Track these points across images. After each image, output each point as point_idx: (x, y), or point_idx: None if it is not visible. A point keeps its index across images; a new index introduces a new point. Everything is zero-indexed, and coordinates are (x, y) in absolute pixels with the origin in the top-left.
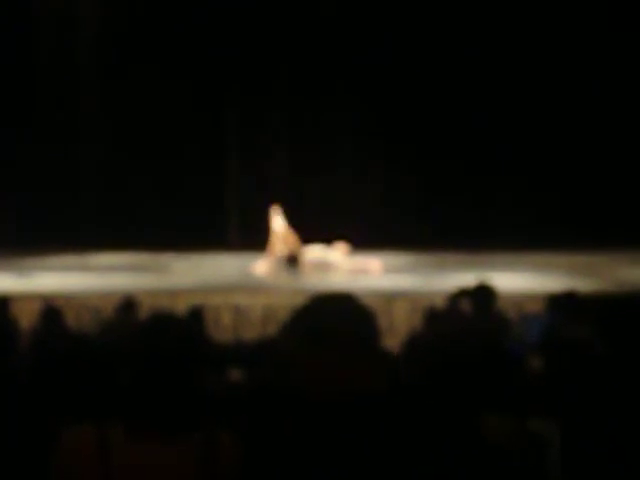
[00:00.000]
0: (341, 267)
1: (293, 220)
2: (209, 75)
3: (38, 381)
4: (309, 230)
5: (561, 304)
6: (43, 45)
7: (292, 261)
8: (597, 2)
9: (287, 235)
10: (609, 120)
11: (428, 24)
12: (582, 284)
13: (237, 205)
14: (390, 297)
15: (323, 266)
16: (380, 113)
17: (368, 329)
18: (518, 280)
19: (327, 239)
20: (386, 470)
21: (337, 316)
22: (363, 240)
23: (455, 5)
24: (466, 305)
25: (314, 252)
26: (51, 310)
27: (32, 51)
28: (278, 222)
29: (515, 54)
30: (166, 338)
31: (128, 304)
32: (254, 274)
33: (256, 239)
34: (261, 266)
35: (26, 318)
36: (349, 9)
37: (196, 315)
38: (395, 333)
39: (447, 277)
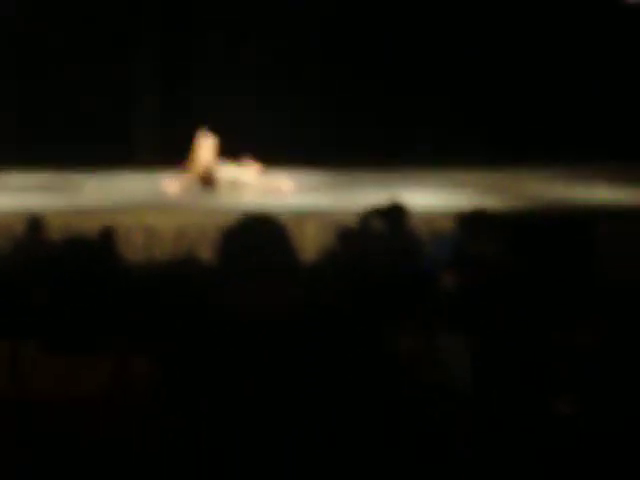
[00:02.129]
0: (254, 186)
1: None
2: None
3: None
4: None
5: (471, 221)
6: None
7: (207, 181)
8: None
9: (207, 157)
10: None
11: None
12: (492, 201)
13: (145, 122)
14: (301, 215)
15: (236, 185)
16: (293, 30)
17: (286, 250)
18: (429, 198)
19: (236, 158)
20: (302, 388)
21: (258, 238)
22: (273, 159)
23: None
24: (378, 224)
25: (227, 171)
26: None
27: None
28: (207, 146)
29: None
30: (78, 259)
31: (37, 224)
32: (166, 192)
33: (164, 157)
34: (173, 184)
35: None
36: None
37: (108, 235)
38: (306, 251)
39: (358, 195)
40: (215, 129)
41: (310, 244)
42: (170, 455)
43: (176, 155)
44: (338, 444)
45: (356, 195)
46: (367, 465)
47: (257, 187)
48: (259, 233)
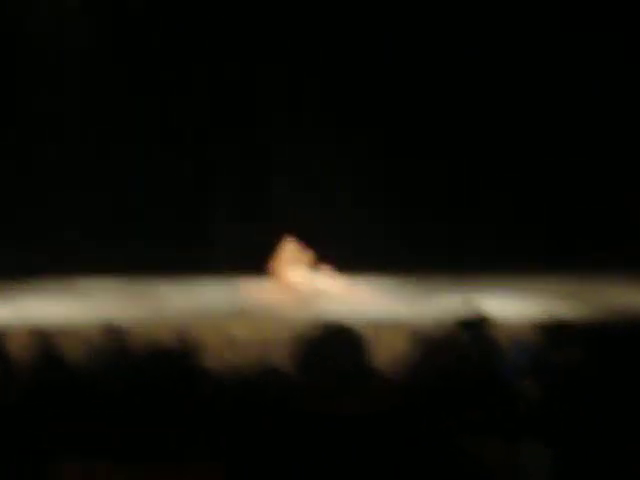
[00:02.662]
0: (333, 294)
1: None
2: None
3: (29, 416)
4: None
5: (550, 330)
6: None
7: (289, 289)
8: None
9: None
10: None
11: None
12: (570, 309)
13: (223, 228)
14: (378, 324)
15: (317, 293)
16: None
17: (363, 358)
18: (505, 303)
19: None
20: None
21: (335, 347)
22: (345, 263)
23: None
24: (459, 333)
25: (308, 279)
26: (43, 338)
27: None
28: (291, 255)
29: None
30: (159, 368)
31: (116, 334)
32: (247, 300)
33: (243, 263)
34: (254, 292)
35: (17, 349)
36: None
37: (187, 345)
38: (382, 359)
39: (434, 301)
40: (292, 232)
41: (385, 350)
42: None
43: (256, 261)
44: None
45: (431, 301)
46: None
47: (336, 295)
48: (335, 344)
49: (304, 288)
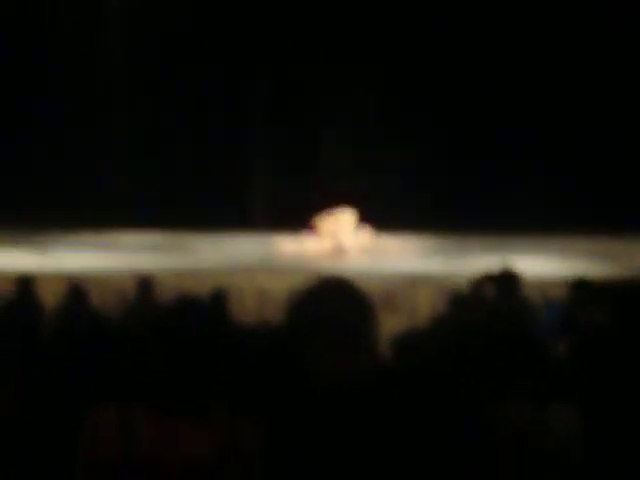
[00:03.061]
0: (369, 250)
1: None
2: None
3: (62, 361)
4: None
5: (584, 289)
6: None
7: (334, 248)
8: None
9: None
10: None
11: None
12: (604, 269)
13: (259, 186)
14: (413, 280)
15: (356, 250)
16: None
17: (363, 315)
18: (539, 264)
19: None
20: (398, 456)
21: (333, 303)
22: (386, 223)
23: None
24: (490, 290)
25: (348, 237)
26: (77, 289)
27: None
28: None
29: None
30: (190, 322)
31: (148, 285)
32: (282, 254)
33: (279, 221)
34: (290, 247)
35: (50, 297)
36: None
37: (220, 297)
38: (419, 316)
39: (469, 260)
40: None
41: (422, 308)
42: None
43: (289, 219)
44: None
45: (466, 260)
46: None
47: (372, 251)
48: (335, 299)
49: (344, 245)
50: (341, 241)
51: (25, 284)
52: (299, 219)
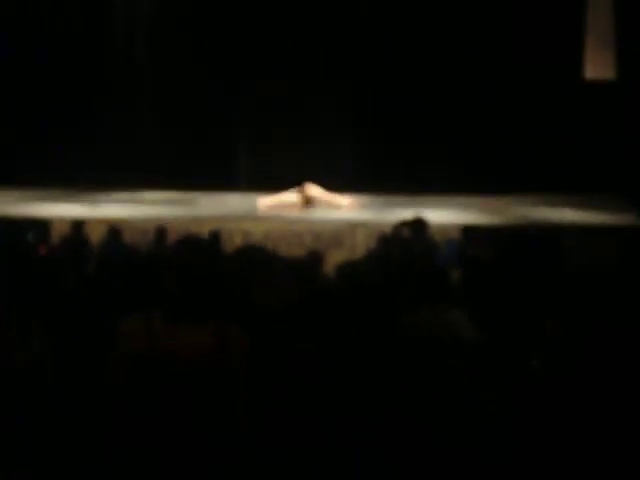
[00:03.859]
0: (333, 204)
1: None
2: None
3: (103, 284)
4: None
5: (471, 233)
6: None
7: (307, 202)
8: None
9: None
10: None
11: None
12: (489, 219)
13: (248, 155)
14: (354, 226)
15: (323, 205)
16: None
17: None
18: (444, 215)
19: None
20: (343, 357)
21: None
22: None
23: None
24: (406, 232)
25: (320, 196)
26: (114, 231)
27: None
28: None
29: None
30: (193, 253)
31: (163, 230)
32: (259, 207)
33: (263, 184)
34: (265, 202)
35: (95, 237)
36: None
37: (215, 237)
38: (357, 251)
39: (393, 212)
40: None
41: (360, 246)
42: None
43: (270, 183)
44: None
45: (391, 212)
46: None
47: (335, 205)
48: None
49: (310, 200)
50: (308, 196)
51: (77, 227)
52: (280, 182)
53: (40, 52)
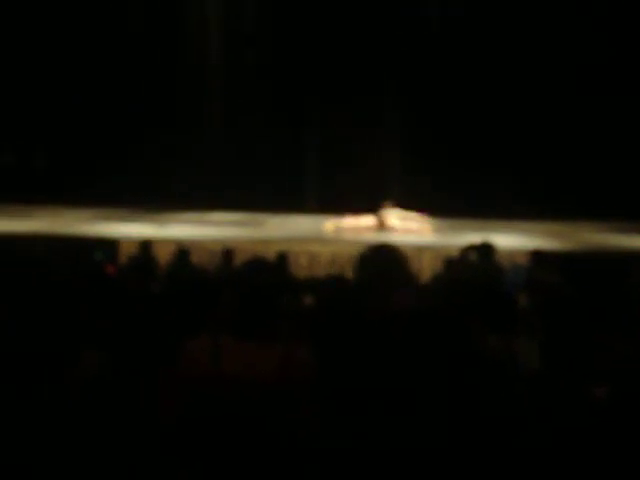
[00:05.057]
0: (411, 230)
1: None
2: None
3: (171, 303)
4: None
5: (539, 257)
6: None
7: (381, 226)
8: None
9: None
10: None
11: None
12: (556, 244)
13: (315, 177)
14: (421, 249)
15: (400, 229)
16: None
17: (404, 269)
18: (511, 240)
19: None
20: (416, 375)
21: (385, 261)
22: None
23: None
24: (473, 256)
25: (396, 220)
26: (182, 251)
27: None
28: (394, 219)
29: None
30: (261, 274)
31: (230, 250)
32: (324, 230)
33: (330, 206)
34: (330, 225)
35: (162, 257)
36: None
37: (282, 259)
38: (423, 275)
39: (459, 236)
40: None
41: (426, 269)
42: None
43: (336, 204)
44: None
45: (458, 236)
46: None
47: (412, 230)
48: (387, 259)
49: (384, 226)
50: (381, 221)
51: (146, 247)
52: (348, 206)
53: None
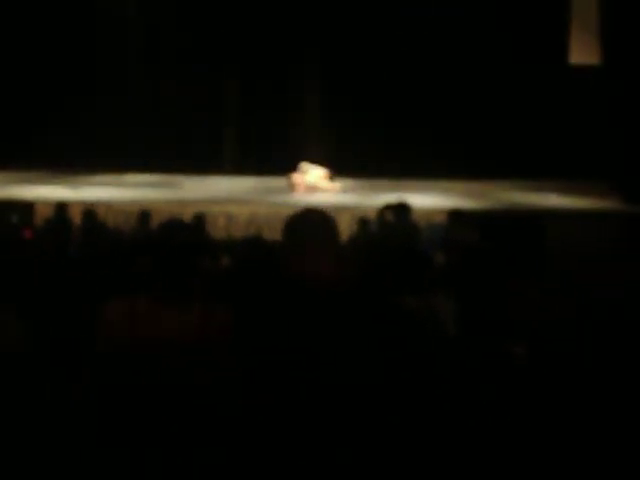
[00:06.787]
0: (322, 188)
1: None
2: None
3: (84, 266)
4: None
5: (456, 217)
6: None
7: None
8: None
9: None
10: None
11: None
12: (472, 203)
13: (233, 140)
14: (338, 210)
15: (313, 188)
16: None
17: (331, 232)
18: (427, 199)
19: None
20: (338, 332)
21: (312, 224)
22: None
23: None
24: (389, 216)
25: (311, 177)
26: (89, 212)
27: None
28: (313, 174)
29: None
30: (178, 235)
31: (146, 215)
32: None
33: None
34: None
35: (79, 220)
36: None
37: (199, 220)
38: (340, 234)
39: (378, 197)
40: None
41: (343, 231)
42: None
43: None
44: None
45: (375, 197)
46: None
47: (323, 189)
48: (316, 222)
49: (301, 185)
50: (296, 181)
51: (61, 209)
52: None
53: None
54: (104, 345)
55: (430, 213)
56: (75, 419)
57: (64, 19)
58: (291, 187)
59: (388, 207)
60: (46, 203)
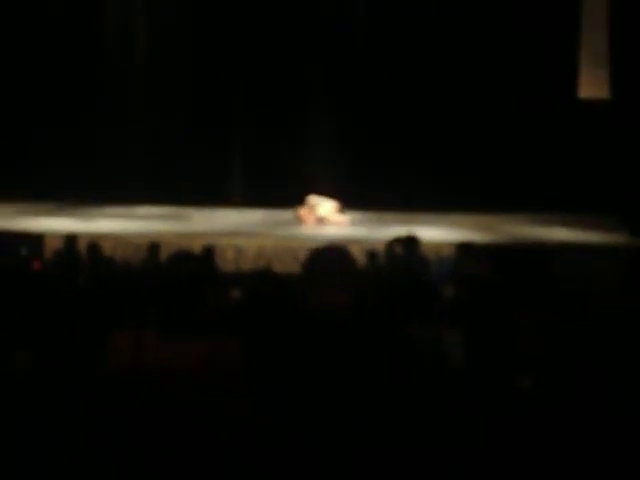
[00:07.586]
0: (330, 221)
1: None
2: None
3: (93, 298)
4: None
5: (465, 250)
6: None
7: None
8: None
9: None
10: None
11: None
12: (482, 236)
13: (240, 174)
14: (347, 243)
15: (323, 221)
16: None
17: (350, 268)
18: (436, 233)
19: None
20: (353, 363)
21: (331, 260)
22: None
23: None
24: (398, 249)
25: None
26: (93, 245)
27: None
28: (324, 207)
29: None
30: (187, 267)
31: (156, 243)
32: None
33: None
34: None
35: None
36: None
37: (208, 252)
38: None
39: (387, 230)
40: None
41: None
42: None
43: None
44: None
45: (383, 229)
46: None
47: (332, 221)
48: (332, 256)
49: (312, 219)
50: (305, 217)
51: (71, 241)
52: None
53: (37, 67)
54: (111, 376)
55: (439, 246)
56: (77, 447)
57: (67, 52)
58: (299, 220)
59: (397, 240)
60: (55, 235)
